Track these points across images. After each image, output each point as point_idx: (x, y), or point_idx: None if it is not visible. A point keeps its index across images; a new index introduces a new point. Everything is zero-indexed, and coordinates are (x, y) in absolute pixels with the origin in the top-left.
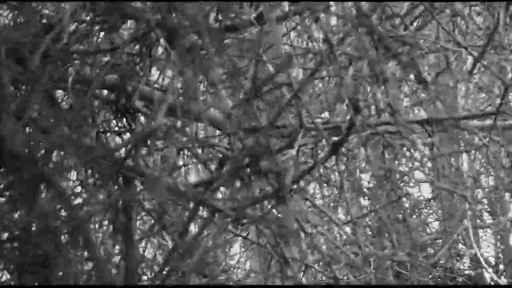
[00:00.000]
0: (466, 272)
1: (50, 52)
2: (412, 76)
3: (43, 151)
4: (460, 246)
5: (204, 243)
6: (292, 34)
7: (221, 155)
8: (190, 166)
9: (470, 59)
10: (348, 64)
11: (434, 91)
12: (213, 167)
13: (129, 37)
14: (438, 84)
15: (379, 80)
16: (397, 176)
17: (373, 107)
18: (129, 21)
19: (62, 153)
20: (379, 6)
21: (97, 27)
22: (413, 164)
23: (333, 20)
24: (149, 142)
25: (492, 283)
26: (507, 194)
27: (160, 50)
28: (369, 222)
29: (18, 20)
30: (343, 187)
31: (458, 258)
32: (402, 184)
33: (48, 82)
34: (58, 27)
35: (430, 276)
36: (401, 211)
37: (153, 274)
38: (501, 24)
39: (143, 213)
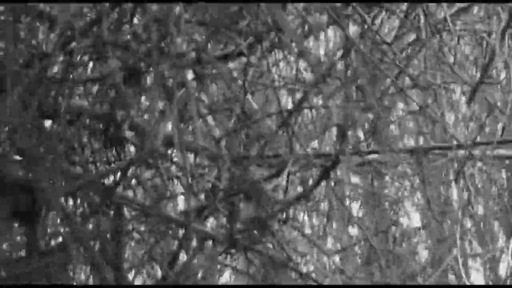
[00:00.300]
0: None
1: (37, 83)
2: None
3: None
4: (450, 275)
5: (194, 272)
6: (281, 63)
7: (210, 184)
8: (180, 194)
9: (458, 89)
10: (336, 92)
11: (423, 120)
12: (202, 195)
13: (117, 67)
14: (427, 113)
15: (367, 108)
16: (387, 204)
17: (362, 135)
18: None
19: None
20: (369, 32)
21: (86, 57)
22: (402, 193)
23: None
24: (139, 170)
25: None
26: (496, 223)
27: (149, 79)
28: (358, 251)
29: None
30: (332, 216)
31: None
32: (392, 212)
33: (36, 113)
34: (46, 59)
35: None
36: (391, 240)
37: None
38: (496, 55)
39: (133, 243)
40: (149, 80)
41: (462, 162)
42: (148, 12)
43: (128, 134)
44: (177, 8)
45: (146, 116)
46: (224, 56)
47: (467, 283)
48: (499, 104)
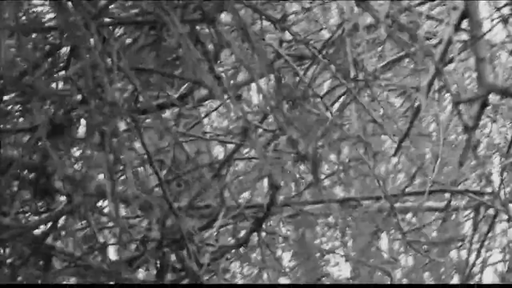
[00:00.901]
0: None
1: None
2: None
3: None
4: None
5: None
6: (214, 114)
7: (141, 235)
8: (110, 245)
9: (388, 141)
10: (268, 143)
11: (354, 172)
12: (133, 246)
13: (48, 117)
14: (357, 166)
15: (300, 158)
16: (318, 255)
17: (293, 186)
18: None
19: None
20: (301, 84)
21: (16, 107)
22: (333, 244)
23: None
24: (69, 221)
25: None
26: (425, 274)
27: (81, 129)
28: None
29: None
30: (263, 267)
31: None
32: (323, 263)
33: None
34: None
35: None
36: None
37: None
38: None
39: None
40: (80, 129)
41: (392, 213)
42: (82, 59)
43: (59, 184)
44: (112, 56)
45: (77, 166)
46: (157, 106)
47: None
48: (428, 156)
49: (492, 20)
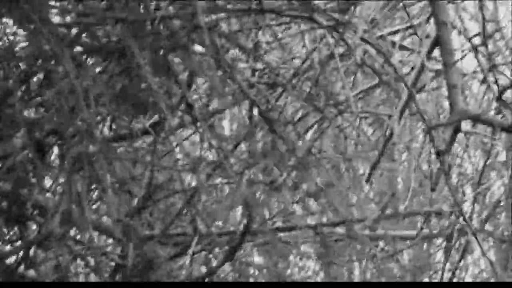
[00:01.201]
0: None
1: None
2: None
3: None
4: None
5: None
6: (187, 142)
7: (114, 263)
8: (82, 273)
9: (361, 168)
10: (242, 171)
11: (326, 200)
12: (106, 274)
13: (21, 145)
14: (330, 193)
15: (273, 187)
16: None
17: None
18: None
19: None
20: (275, 110)
21: None
22: (306, 273)
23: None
24: (41, 250)
25: None
26: None
27: (53, 157)
28: None
29: None
30: None
31: None
32: None
33: None
34: None
35: None
36: None
37: None
38: (395, 135)
39: None
40: (53, 156)
41: (365, 242)
42: (56, 85)
43: (31, 212)
44: (86, 82)
45: (49, 195)
46: (129, 134)
47: None
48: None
49: (463, 50)
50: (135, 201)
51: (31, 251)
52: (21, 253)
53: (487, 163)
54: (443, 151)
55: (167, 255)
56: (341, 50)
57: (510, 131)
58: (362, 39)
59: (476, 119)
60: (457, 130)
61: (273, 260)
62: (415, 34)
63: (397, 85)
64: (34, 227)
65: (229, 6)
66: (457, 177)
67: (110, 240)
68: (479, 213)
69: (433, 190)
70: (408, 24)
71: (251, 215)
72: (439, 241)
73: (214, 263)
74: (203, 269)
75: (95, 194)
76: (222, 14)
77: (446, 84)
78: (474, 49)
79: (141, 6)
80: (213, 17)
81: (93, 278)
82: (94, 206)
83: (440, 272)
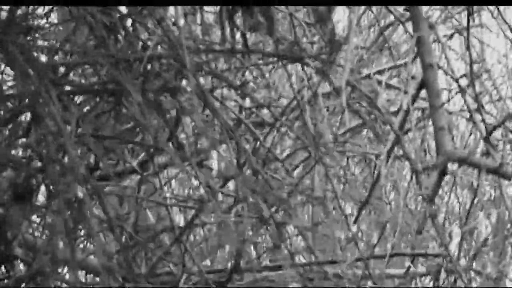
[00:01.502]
0: None
1: None
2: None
3: None
4: None
5: None
6: (173, 182)
7: None
8: None
9: (349, 208)
10: (230, 208)
11: (313, 239)
12: None
13: (9, 184)
14: (317, 233)
15: (261, 223)
16: None
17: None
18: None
19: None
20: (262, 149)
21: None
22: None
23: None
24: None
25: None
26: None
27: (40, 197)
28: None
29: None
30: None
31: None
32: None
33: None
34: None
35: None
36: None
37: None
38: (382, 176)
39: None
40: (40, 196)
41: (353, 281)
42: (43, 126)
43: (18, 251)
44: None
45: (37, 234)
46: (117, 173)
47: None
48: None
49: (450, 90)
50: (122, 239)
51: None
52: None
53: (474, 202)
54: (430, 195)
55: None
56: (327, 89)
57: (498, 174)
58: (348, 82)
59: (463, 161)
60: (443, 172)
61: None
62: (399, 75)
63: (382, 129)
64: (21, 266)
65: (215, 47)
66: (445, 216)
67: (97, 279)
68: (467, 252)
69: (419, 233)
70: (395, 64)
71: (239, 253)
72: (427, 280)
73: None
74: None
75: (82, 233)
76: (210, 55)
77: (433, 125)
78: (462, 90)
79: (129, 46)
80: (200, 57)
81: None
82: (81, 245)
83: None
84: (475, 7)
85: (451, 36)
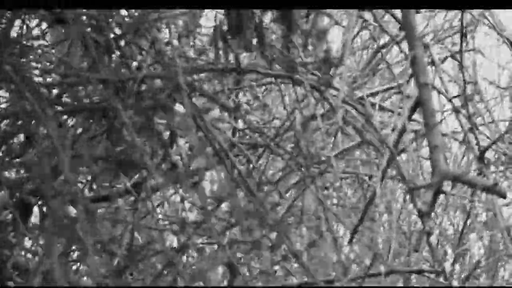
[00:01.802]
0: None
1: None
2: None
3: None
4: None
5: None
6: (166, 204)
7: None
8: None
9: (342, 228)
10: (224, 230)
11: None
12: None
13: (2, 205)
14: (311, 254)
15: (254, 247)
16: None
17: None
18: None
19: None
20: (255, 171)
21: None
22: None
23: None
24: None
25: None
26: None
27: (34, 218)
28: None
29: None
30: None
31: None
32: None
33: None
34: None
35: None
36: None
37: None
38: (377, 196)
39: None
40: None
41: None
42: (38, 146)
43: (12, 273)
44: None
45: (29, 255)
46: (110, 194)
47: None
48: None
49: (444, 111)
50: (116, 261)
51: None
52: None
53: (467, 223)
54: (425, 212)
55: None
56: (321, 110)
57: (493, 192)
58: (344, 101)
59: (458, 180)
60: (438, 191)
61: None
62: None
63: (379, 145)
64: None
65: (209, 66)
66: (437, 237)
67: None
68: (459, 273)
69: (416, 251)
70: (389, 86)
71: (233, 276)
72: None
73: None
74: None
75: (75, 255)
76: (203, 75)
77: (428, 145)
78: (456, 110)
79: (123, 66)
80: (194, 77)
81: None
82: (75, 267)
83: None
84: (469, 28)
85: (444, 60)
